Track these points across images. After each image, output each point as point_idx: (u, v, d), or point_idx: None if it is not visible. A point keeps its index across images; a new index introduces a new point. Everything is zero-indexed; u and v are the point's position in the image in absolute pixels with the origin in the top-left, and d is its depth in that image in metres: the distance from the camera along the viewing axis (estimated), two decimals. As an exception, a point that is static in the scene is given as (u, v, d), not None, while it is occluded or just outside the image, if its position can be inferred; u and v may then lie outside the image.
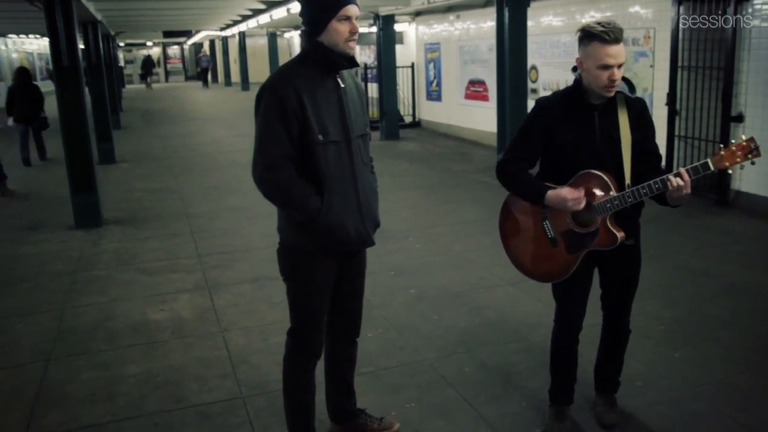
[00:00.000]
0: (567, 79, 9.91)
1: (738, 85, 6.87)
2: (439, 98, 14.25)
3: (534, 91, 10.40)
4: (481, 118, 12.35)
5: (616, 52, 2.67)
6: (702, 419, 3.28)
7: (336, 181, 2.65)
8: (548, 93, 10.57)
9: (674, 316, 4.44)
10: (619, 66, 2.70)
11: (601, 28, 2.66)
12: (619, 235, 2.84)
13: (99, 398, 3.67)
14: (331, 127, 2.62)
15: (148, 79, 35.44)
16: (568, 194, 2.77)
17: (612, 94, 2.77)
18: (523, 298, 4.89)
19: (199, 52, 36.71)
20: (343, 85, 2.69)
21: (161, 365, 4.05)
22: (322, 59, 2.60)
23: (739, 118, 6.88)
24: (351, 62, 2.66)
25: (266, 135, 2.56)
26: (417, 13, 14.24)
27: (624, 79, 2.82)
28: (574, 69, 2.88)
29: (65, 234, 7.17)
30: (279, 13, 11.66)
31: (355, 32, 2.59)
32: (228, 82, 34.42)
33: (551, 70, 10.34)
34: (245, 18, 15.94)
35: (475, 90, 12.67)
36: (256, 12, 13.38)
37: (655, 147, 2.99)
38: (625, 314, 3.17)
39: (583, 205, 2.78)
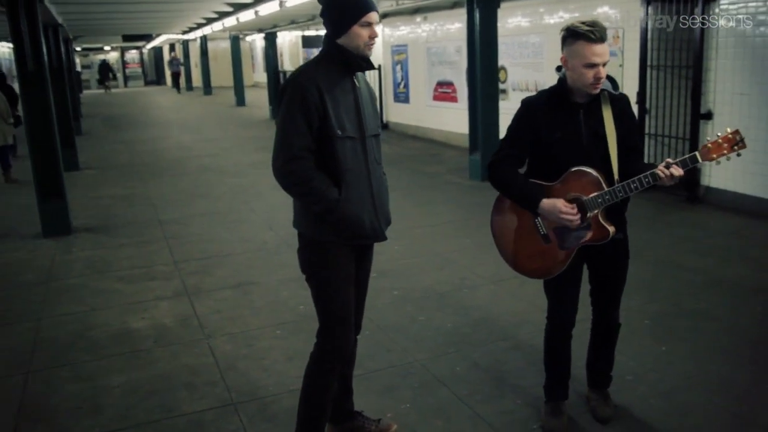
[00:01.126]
0: (536, 79, 10.06)
1: (706, 84, 7.02)
2: (406, 100, 14.28)
3: (503, 91, 10.48)
4: (451, 120, 12.42)
5: (601, 51, 2.73)
6: (695, 410, 3.33)
7: (352, 175, 2.71)
8: (518, 93, 10.71)
9: (658, 311, 4.51)
10: (604, 64, 2.75)
11: (586, 28, 2.71)
12: (611, 229, 2.88)
13: (86, 410, 3.57)
14: (348, 124, 2.70)
15: (107, 84, 34.75)
16: (563, 207, 2.81)
17: (597, 91, 2.82)
18: (505, 297, 4.92)
19: (171, 56, 34.56)
20: (359, 86, 2.79)
21: (147, 374, 3.96)
22: (341, 60, 2.71)
23: (708, 116, 7.04)
24: (368, 64, 2.76)
25: (289, 127, 2.63)
26: (383, 15, 14.24)
27: (607, 76, 2.86)
28: (558, 68, 2.92)
29: (33, 243, 6.98)
30: (246, 15, 11.54)
31: (374, 36, 2.71)
32: (189, 86, 33.96)
33: (520, 70, 10.44)
34: (210, 21, 15.75)
35: (443, 91, 12.72)
36: (222, 15, 13.22)
37: (637, 142, 3.09)
38: (615, 307, 3.21)
39: (577, 222, 2.81)
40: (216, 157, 12.38)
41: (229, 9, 12.11)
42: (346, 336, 2.85)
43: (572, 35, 2.75)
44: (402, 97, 14.46)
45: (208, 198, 8.82)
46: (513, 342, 4.18)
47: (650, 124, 7.65)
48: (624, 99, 2.97)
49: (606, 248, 2.95)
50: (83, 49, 40.00)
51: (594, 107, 2.88)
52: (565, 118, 2.88)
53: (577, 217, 2.82)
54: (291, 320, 4.65)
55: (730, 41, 6.73)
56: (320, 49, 2.80)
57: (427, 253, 6.08)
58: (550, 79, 9.60)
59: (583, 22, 2.74)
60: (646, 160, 7.40)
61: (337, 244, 2.76)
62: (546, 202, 2.84)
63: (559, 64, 2.91)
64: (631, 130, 2.99)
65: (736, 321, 4.34)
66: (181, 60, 33.32)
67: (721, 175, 6.98)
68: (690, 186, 7.14)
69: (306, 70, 2.72)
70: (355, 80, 2.78)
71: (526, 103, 2.97)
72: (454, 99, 12.33)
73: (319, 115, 2.62)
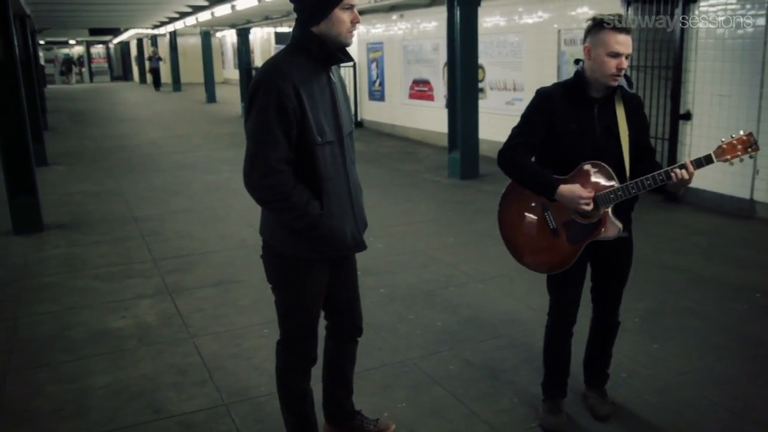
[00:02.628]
0: (514, 78, 10.09)
1: (686, 84, 7.11)
2: (382, 98, 14.22)
3: (481, 90, 10.49)
4: (427, 118, 12.40)
5: (626, 41, 2.72)
6: (690, 406, 3.34)
7: (333, 184, 2.52)
8: (496, 93, 10.72)
9: (646, 309, 4.53)
10: (627, 56, 2.74)
11: (613, 17, 2.70)
12: (619, 226, 2.86)
13: (69, 412, 3.44)
14: (327, 126, 2.47)
15: (68, 77, 33.87)
16: (582, 192, 2.77)
17: (617, 83, 2.80)
18: (495, 295, 4.90)
19: (151, 51, 31.35)
20: (334, 80, 2.57)
21: (132, 375, 3.83)
22: (318, 52, 2.43)
23: (687, 116, 7.12)
24: (347, 56, 2.51)
25: (264, 136, 2.35)
26: (359, 13, 14.15)
27: (624, 75, 2.85)
28: (577, 62, 2.90)
29: (3, 240, 6.77)
30: (222, 10, 11.36)
31: (357, 21, 2.46)
32: (144, 80, 33.36)
33: (498, 69, 10.46)
34: (183, 15, 15.47)
35: (419, 90, 12.70)
36: (196, 9, 13.01)
37: (649, 141, 3.07)
38: (616, 306, 3.21)
39: (591, 207, 2.78)
40: (189, 154, 12.18)
41: (205, 3, 11.93)
42: (310, 344, 2.74)
43: (598, 24, 2.74)
44: (377, 95, 14.40)
45: (183, 195, 8.66)
46: (506, 340, 4.15)
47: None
48: (637, 99, 2.97)
49: (611, 246, 2.95)
50: (47, 43, 39.12)
51: (608, 103, 2.87)
52: (579, 111, 2.85)
53: (592, 200, 2.78)
54: (277, 319, 4.55)
55: (710, 43, 6.81)
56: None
57: (410, 251, 6.03)
58: (528, 79, 9.68)
59: (609, 14, 2.74)
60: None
61: (310, 259, 2.57)
62: (565, 188, 2.79)
63: (577, 57, 2.89)
64: (643, 129, 3.00)
65: (724, 318, 4.38)
66: (161, 56, 31.01)
67: (700, 174, 6.96)
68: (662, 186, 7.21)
69: (279, 65, 2.41)
70: (331, 74, 2.53)
71: (542, 93, 2.93)
72: (430, 97, 12.32)
73: (297, 121, 2.36)
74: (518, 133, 2.96)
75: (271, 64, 2.46)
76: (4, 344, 4.29)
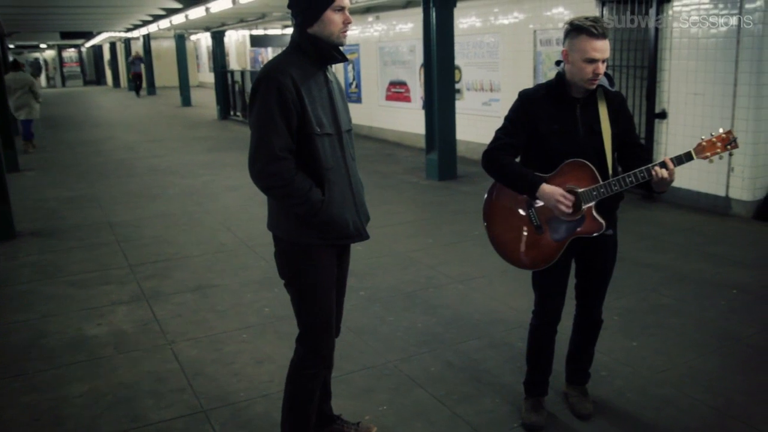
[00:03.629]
0: (491, 79, 10.12)
1: (661, 84, 7.18)
2: (359, 100, 14.20)
3: (458, 91, 10.51)
4: (404, 119, 12.40)
5: (602, 47, 2.73)
6: (671, 403, 3.36)
7: (333, 173, 2.61)
8: (473, 93, 10.73)
9: (625, 307, 4.55)
10: (604, 60, 2.75)
11: (588, 23, 2.72)
12: (603, 223, 2.88)
13: (46, 422, 3.37)
14: (325, 119, 2.59)
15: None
16: (560, 197, 2.78)
17: (594, 87, 2.82)
18: (474, 296, 4.90)
19: (133, 55, 29.04)
20: (331, 79, 2.68)
21: (109, 383, 3.77)
22: (314, 52, 2.57)
23: (663, 115, 7.19)
24: (342, 55, 2.62)
25: (267, 126, 2.47)
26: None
27: (605, 73, 2.87)
28: (558, 63, 2.92)
29: (-25, 248, 6.63)
30: (197, 12, 11.25)
31: (348, 22, 2.57)
32: (132, 86, 33.03)
33: (474, 70, 10.49)
34: (157, 18, 15.31)
35: (396, 91, 12.70)
36: (170, 12, 12.87)
37: (637, 138, 3.11)
38: (600, 303, 3.23)
39: (569, 210, 2.80)
40: (164, 158, 12.04)
41: (178, 5, 11.81)
42: (330, 341, 2.76)
43: (575, 29, 2.75)
44: (354, 97, 14.37)
45: (160, 200, 8.55)
46: (487, 341, 4.15)
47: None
48: (620, 97, 2.99)
49: (596, 243, 2.96)
50: (17, 47, 38.52)
51: (590, 103, 2.89)
52: (562, 112, 2.88)
53: (569, 208, 2.80)
54: (257, 323, 4.51)
55: (684, 42, 6.89)
56: (286, 46, 2.65)
57: (389, 252, 6.01)
58: (504, 79, 9.72)
59: (586, 18, 2.76)
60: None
61: (320, 246, 2.64)
62: (546, 187, 2.81)
63: (558, 59, 2.90)
64: (629, 127, 3.02)
65: (702, 315, 4.42)
66: (142, 59, 28.79)
67: (677, 173, 7.12)
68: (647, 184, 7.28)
69: (278, 63, 2.56)
70: (328, 73, 2.66)
71: (524, 95, 2.95)
72: (407, 99, 12.32)
73: (297, 112, 2.49)
74: (502, 134, 2.96)
75: (272, 63, 2.60)
76: (-23, 354, 4.20)
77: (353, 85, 14.32)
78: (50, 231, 7.20)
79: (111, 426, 3.32)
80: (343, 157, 2.67)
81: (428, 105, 9.11)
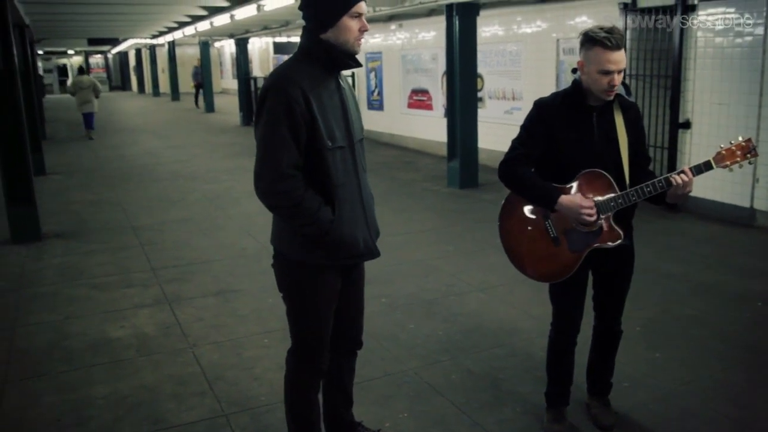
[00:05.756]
0: (513, 88, 10.10)
1: (685, 93, 7.12)
2: (380, 107, 14.23)
3: (480, 99, 10.50)
4: (425, 127, 12.41)
5: (617, 58, 2.70)
6: (694, 416, 3.31)
7: (344, 190, 2.50)
8: (495, 102, 10.71)
9: (648, 318, 4.51)
10: (619, 71, 2.73)
11: (603, 34, 2.68)
12: (622, 233, 2.85)
13: (67, 423, 3.41)
14: (337, 131, 2.46)
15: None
16: (582, 202, 2.76)
17: (611, 98, 2.80)
18: (495, 304, 4.87)
19: (196, 65, 25.95)
20: (344, 86, 2.57)
21: (131, 385, 3.80)
22: (326, 58, 2.44)
23: (687, 125, 7.13)
24: (356, 61, 2.51)
25: (273, 141, 2.35)
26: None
27: (622, 82, 2.85)
28: (574, 71, 2.90)
29: (1, 249, 6.73)
30: (222, 19, 11.37)
31: (365, 30, 2.46)
32: (156, 92, 33.47)
33: (497, 78, 10.47)
34: (182, 25, 15.49)
35: (418, 99, 12.71)
36: (195, 18, 13.01)
37: (646, 150, 3.08)
38: (619, 314, 3.19)
39: (595, 218, 2.77)
40: (187, 164, 12.16)
41: (204, 13, 11.94)
42: (322, 355, 2.70)
43: (589, 41, 2.73)
44: (376, 104, 14.41)
45: (182, 204, 8.63)
46: (508, 349, 4.12)
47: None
48: (635, 107, 2.97)
49: (612, 254, 2.93)
50: (45, 53, 39.19)
51: (607, 111, 2.86)
52: (578, 121, 2.85)
53: (594, 216, 2.78)
54: (278, 328, 4.52)
55: (709, 51, 6.82)
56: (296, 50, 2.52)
57: (409, 260, 6.00)
58: (526, 88, 9.69)
59: (601, 28, 2.71)
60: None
61: (324, 266, 2.55)
62: (565, 198, 2.79)
63: (575, 66, 2.88)
64: (641, 138, 3.00)
65: (726, 327, 4.36)
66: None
67: (700, 183, 6.93)
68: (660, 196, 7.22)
69: (287, 71, 2.43)
70: (340, 80, 2.54)
71: (540, 104, 2.93)
72: (429, 107, 12.33)
73: (307, 126, 2.36)
74: (518, 144, 2.95)
75: (280, 71, 2.47)
76: (2, 354, 4.25)
77: (375, 93, 14.36)
78: (74, 233, 7.29)
79: (132, 428, 3.34)
80: (355, 170, 2.55)
81: (450, 113, 9.11)
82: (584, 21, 8.51)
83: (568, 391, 3.23)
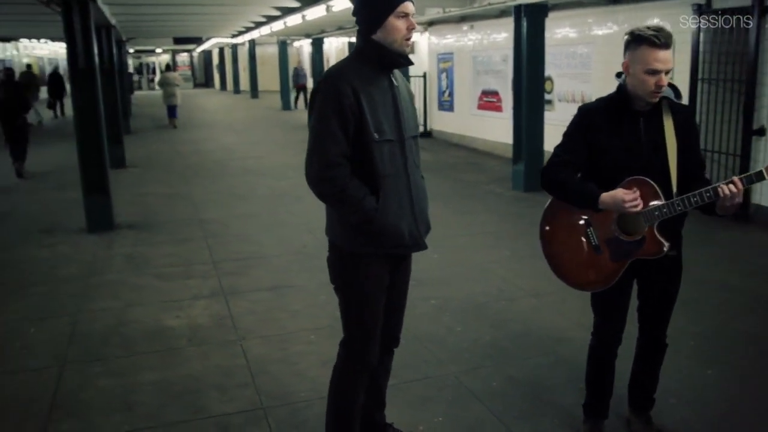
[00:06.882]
0: (583, 90, 9.86)
1: (760, 99, 6.77)
2: (451, 108, 14.18)
3: (549, 102, 10.31)
4: (495, 129, 12.28)
5: (665, 58, 2.60)
6: (743, 440, 3.17)
7: (391, 181, 2.58)
8: (564, 105, 10.49)
9: (703, 332, 4.32)
10: (667, 72, 2.63)
11: (651, 32, 2.59)
12: (665, 244, 2.75)
13: (116, 407, 3.57)
14: (386, 125, 2.57)
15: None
16: (624, 195, 2.66)
17: (657, 99, 2.70)
18: (546, 311, 4.79)
19: (297, 66, 24.79)
20: (396, 84, 2.65)
21: (179, 373, 3.94)
22: (377, 57, 2.56)
23: (761, 132, 6.78)
24: (406, 59, 2.61)
25: (324, 132, 2.50)
26: (430, 23, 14.20)
27: (670, 84, 2.74)
28: (618, 75, 2.82)
29: (77, 237, 7.10)
30: (294, 20, 11.60)
31: (412, 28, 2.55)
32: (237, 89, 34.45)
33: (567, 81, 10.25)
34: (258, 25, 15.90)
35: (488, 100, 12.59)
36: (270, 19, 13.33)
37: (700, 156, 2.93)
38: (663, 328, 3.07)
39: (640, 207, 2.67)
40: (258, 160, 12.47)
41: (277, 13, 12.22)
42: (373, 348, 2.76)
43: (636, 39, 2.63)
44: (446, 105, 14.37)
45: (249, 199, 8.86)
46: (553, 358, 4.05)
47: (700, 139, 7.40)
48: (688, 110, 2.85)
49: (658, 264, 2.83)
50: (135, 51, 40.96)
51: (654, 116, 2.76)
52: (624, 126, 2.76)
53: (638, 201, 2.66)
54: (327, 325, 4.58)
55: (788, 55, 6.48)
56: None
57: (465, 262, 5.97)
58: (597, 91, 9.42)
59: (648, 27, 2.62)
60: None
61: (373, 255, 2.63)
62: (606, 195, 2.69)
63: (620, 70, 2.79)
64: (694, 143, 2.85)
65: (789, 347, 4.14)
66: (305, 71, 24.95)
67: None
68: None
69: (339, 69, 2.59)
70: (393, 78, 2.64)
71: (584, 110, 2.86)
72: (498, 108, 12.19)
73: (355, 118, 2.49)
74: (560, 151, 2.89)
75: (332, 68, 2.63)
76: (65, 338, 4.49)
77: (446, 94, 14.31)
78: (145, 225, 7.61)
79: (175, 415, 3.47)
80: (405, 164, 2.63)
81: (516, 115, 9.00)
82: (657, 23, 8.20)
83: (607, 404, 3.15)
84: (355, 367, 2.76)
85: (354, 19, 2.67)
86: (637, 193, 2.67)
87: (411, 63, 2.66)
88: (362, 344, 2.74)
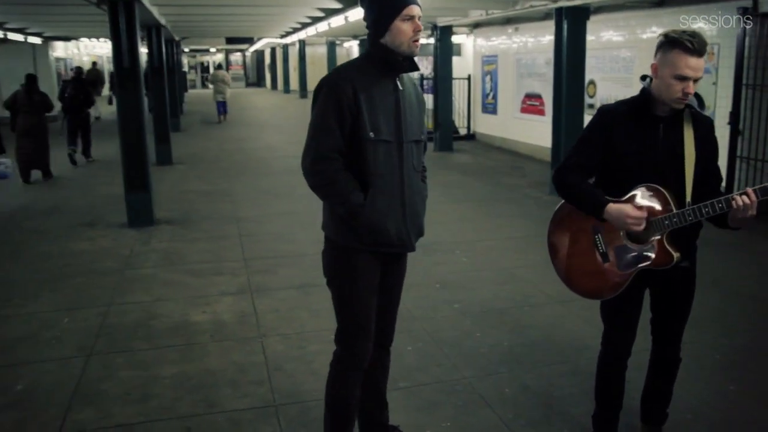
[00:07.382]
0: (625, 94, 9.63)
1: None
2: (494, 111, 14.07)
3: (591, 106, 10.14)
4: (537, 133, 12.13)
5: (696, 65, 2.54)
6: (757, 459, 3.07)
7: (382, 180, 2.63)
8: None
9: (731, 346, 4.19)
10: (696, 80, 2.57)
11: (686, 37, 2.52)
12: (675, 255, 2.68)
13: (133, 398, 3.68)
14: (385, 126, 2.61)
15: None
16: (630, 211, 2.62)
17: (682, 107, 2.63)
18: (570, 319, 4.72)
19: None
20: (401, 89, 2.69)
21: (197, 368, 4.03)
22: (382, 60, 2.62)
23: (809, 141, 6.55)
24: (412, 64, 2.65)
25: (319, 126, 2.59)
26: (475, 25, 14.12)
27: (695, 94, 2.67)
28: (643, 78, 2.75)
29: (117, 232, 7.31)
30: (337, 21, 11.70)
31: (419, 31, 2.59)
32: (287, 89, 34.89)
33: (610, 85, 10.07)
34: (305, 26, 16.07)
35: (531, 104, 12.46)
36: (315, 20, 13.45)
37: (717, 168, 2.86)
38: (676, 341, 2.99)
39: (643, 227, 2.63)
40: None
41: (321, 14, 12.33)
42: (363, 344, 2.78)
43: (669, 42, 2.57)
44: (490, 108, 14.26)
45: (288, 198, 8.97)
46: (570, 367, 3.99)
47: (743, 146, 7.18)
48: (709, 121, 2.77)
49: (670, 276, 2.76)
50: (191, 51, 41.87)
51: (675, 123, 2.69)
52: (643, 131, 2.70)
53: (642, 225, 2.62)
54: (345, 326, 4.62)
55: (839, 61, 6.23)
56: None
57: (493, 267, 5.93)
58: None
59: (684, 31, 2.56)
60: (735, 184, 7.04)
61: (361, 250, 2.68)
62: (612, 206, 2.66)
63: (645, 73, 2.74)
64: (712, 155, 2.79)
65: (820, 365, 3.99)
66: None
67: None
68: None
69: (342, 69, 2.68)
70: (398, 82, 2.68)
71: (603, 112, 2.81)
72: (541, 112, 12.05)
73: (352, 116, 2.56)
74: (573, 153, 2.85)
75: (338, 68, 2.72)
76: (95, 329, 4.64)
77: (490, 96, 14.21)
78: (184, 221, 7.79)
79: (188, 409, 3.55)
80: (401, 166, 2.66)
81: (555, 119, 8.88)
82: (701, 27, 7.98)
83: (616, 417, 3.08)
84: (347, 365, 2.79)
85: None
86: (644, 213, 2.62)
87: (416, 68, 2.69)
88: (353, 338, 2.77)
